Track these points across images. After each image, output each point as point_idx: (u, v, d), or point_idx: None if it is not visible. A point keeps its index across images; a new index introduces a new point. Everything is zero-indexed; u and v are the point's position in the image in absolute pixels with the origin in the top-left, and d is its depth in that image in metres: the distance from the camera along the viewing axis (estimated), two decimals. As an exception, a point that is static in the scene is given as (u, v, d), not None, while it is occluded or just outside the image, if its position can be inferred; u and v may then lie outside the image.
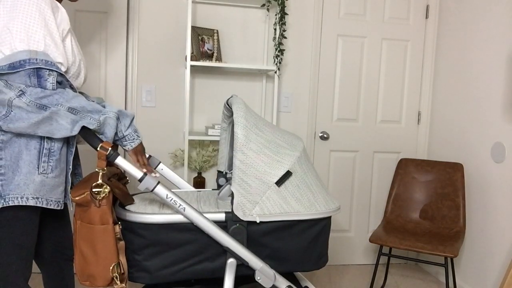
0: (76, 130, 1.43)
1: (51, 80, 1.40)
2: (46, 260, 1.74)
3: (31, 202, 1.42)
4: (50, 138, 1.46)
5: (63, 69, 1.46)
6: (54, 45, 1.42)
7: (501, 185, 2.61)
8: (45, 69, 1.38)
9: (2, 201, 1.39)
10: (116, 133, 1.53)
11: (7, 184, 1.40)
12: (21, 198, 1.41)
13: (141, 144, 1.62)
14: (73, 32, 1.54)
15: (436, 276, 3.24)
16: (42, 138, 1.45)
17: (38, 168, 1.43)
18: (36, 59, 1.37)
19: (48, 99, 1.38)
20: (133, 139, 1.58)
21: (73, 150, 1.56)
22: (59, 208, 1.49)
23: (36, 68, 1.37)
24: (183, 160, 2.88)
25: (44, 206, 1.45)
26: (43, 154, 1.45)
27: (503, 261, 2.59)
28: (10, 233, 1.44)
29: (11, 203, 1.40)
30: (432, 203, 2.89)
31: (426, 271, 3.36)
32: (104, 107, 1.52)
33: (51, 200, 1.47)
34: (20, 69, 1.35)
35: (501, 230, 2.61)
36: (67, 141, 1.53)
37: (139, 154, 1.63)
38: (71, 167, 1.56)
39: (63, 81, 1.46)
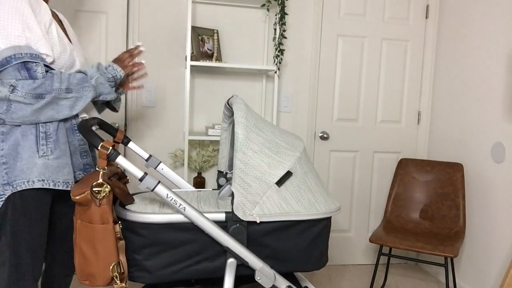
0: (77, 109, 1.56)
1: (39, 70, 1.47)
2: (47, 268, 1.79)
3: (38, 184, 1.49)
4: (44, 122, 1.54)
5: (48, 59, 1.52)
6: (34, 38, 1.47)
7: (501, 185, 2.61)
8: (32, 61, 1.45)
9: (11, 187, 1.47)
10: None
11: (11, 171, 1.48)
12: (27, 182, 1.48)
13: (114, 61, 1.72)
14: (57, 24, 1.63)
15: (436, 276, 3.24)
16: (36, 123, 1.52)
17: (38, 151, 1.51)
18: (21, 54, 1.43)
19: (41, 87, 1.46)
20: (114, 69, 1.68)
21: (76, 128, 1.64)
22: (68, 188, 1.55)
23: (23, 62, 1.44)
24: (183, 160, 2.87)
25: (52, 187, 1.51)
26: (40, 138, 1.52)
27: (503, 261, 2.59)
28: (26, 221, 1.50)
29: (19, 188, 1.47)
30: (432, 203, 2.89)
31: (426, 271, 3.36)
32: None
33: (59, 181, 1.53)
34: (8, 66, 1.42)
35: (501, 230, 2.61)
36: (63, 121, 1.60)
37: (124, 64, 1.73)
38: (83, 143, 1.67)
39: (49, 71, 1.52)
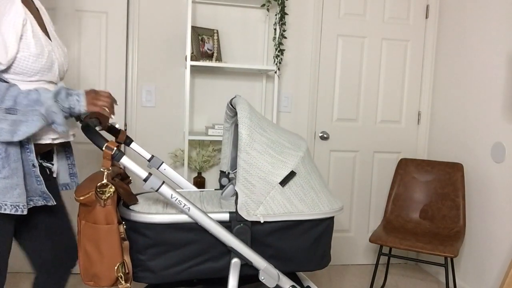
0: (20, 135, 1.32)
1: None
2: (43, 268, 1.68)
3: None
4: None
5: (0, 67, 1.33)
6: None
7: (501, 185, 2.62)
8: None
9: None
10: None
11: None
12: None
13: (86, 93, 1.45)
14: (35, 24, 1.44)
15: (436, 276, 3.25)
16: None
17: None
18: None
19: None
20: (77, 100, 1.43)
21: (31, 147, 1.43)
22: (19, 213, 1.38)
23: None
24: (183, 160, 2.87)
25: None
26: None
27: (503, 261, 2.60)
28: None
29: None
30: (432, 203, 2.90)
31: (426, 271, 3.36)
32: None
33: (5, 204, 1.35)
34: None
35: (501, 230, 2.62)
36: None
37: (96, 102, 1.46)
38: (34, 166, 1.44)
39: None
